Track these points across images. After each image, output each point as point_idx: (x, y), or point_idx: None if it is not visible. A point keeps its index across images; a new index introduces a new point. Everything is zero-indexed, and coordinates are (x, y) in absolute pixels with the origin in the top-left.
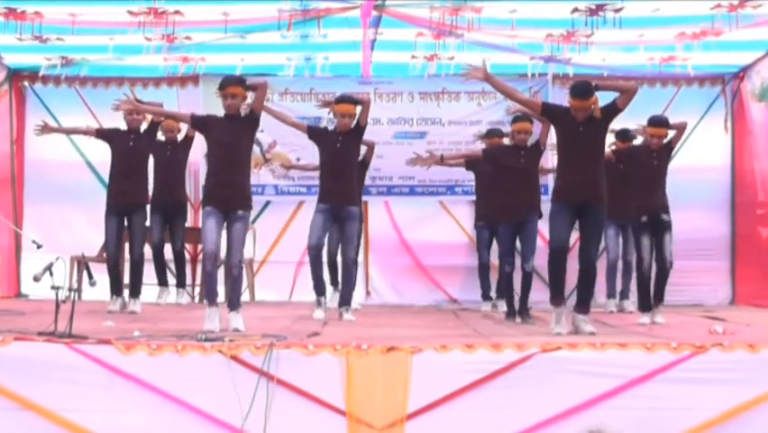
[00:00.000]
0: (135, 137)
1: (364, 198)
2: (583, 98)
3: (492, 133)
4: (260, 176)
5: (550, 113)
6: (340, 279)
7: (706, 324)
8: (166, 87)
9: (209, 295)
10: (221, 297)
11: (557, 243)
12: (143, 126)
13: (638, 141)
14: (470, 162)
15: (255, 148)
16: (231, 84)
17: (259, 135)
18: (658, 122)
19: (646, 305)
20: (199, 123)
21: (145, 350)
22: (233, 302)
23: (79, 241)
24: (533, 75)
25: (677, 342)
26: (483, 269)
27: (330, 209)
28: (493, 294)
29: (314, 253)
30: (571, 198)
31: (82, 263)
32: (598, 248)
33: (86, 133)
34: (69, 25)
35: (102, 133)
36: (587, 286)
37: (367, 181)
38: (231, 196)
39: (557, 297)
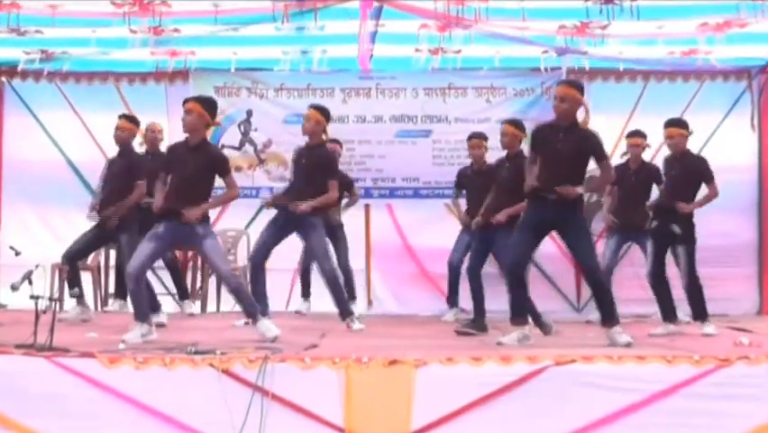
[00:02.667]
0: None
1: (365, 200)
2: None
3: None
4: (254, 177)
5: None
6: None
7: (731, 335)
8: (153, 83)
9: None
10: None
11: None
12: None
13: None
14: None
15: (249, 147)
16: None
17: (253, 135)
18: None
19: (664, 315)
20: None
21: (131, 363)
22: (249, 313)
23: (61, 247)
24: (546, 69)
25: (700, 354)
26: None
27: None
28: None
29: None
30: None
31: (63, 271)
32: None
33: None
34: (49, 16)
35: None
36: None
37: (368, 183)
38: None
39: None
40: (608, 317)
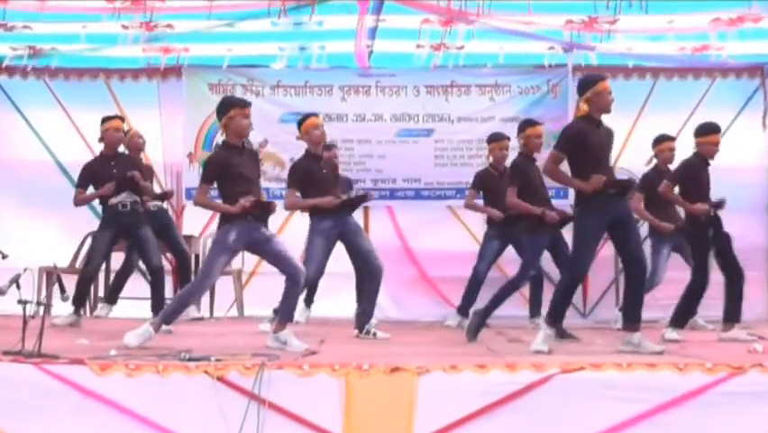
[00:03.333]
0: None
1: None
2: None
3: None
4: None
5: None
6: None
7: (743, 342)
8: (146, 80)
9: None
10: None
11: None
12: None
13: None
14: None
15: None
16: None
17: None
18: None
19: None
20: None
21: (122, 371)
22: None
23: (49, 250)
24: (551, 66)
25: (712, 362)
26: None
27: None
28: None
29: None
30: None
31: (53, 275)
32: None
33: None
34: (37, 11)
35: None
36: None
37: (368, 184)
38: None
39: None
40: (636, 319)
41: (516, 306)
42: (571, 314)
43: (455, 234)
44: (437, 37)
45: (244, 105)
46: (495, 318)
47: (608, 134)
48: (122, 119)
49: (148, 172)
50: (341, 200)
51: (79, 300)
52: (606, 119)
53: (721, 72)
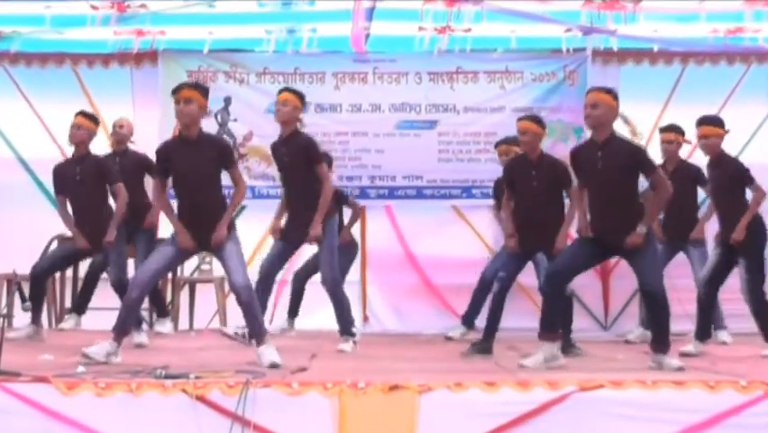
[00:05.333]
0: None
1: (361, 201)
2: None
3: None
4: None
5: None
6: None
7: None
8: (117, 66)
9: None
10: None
11: None
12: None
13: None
14: None
15: (227, 140)
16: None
17: (232, 126)
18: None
19: (699, 332)
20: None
21: (91, 389)
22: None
23: (8, 257)
24: (568, 50)
25: (746, 379)
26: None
27: None
28: None
29: None
30: None
31: (13, 283)
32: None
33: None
34: None
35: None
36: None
37: (365, 182)
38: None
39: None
40: (661, 340)
41: (530, 318)
42: (592, 326)
43: (461, 238)
44: (441, 18)
45: (177, 89)
46: (505, 331)
47: (618, 154)
48: (84, 114)
49: (134, 169)
50: None
51: (33, 306)
52: (629, 109)
53: (757, 57)
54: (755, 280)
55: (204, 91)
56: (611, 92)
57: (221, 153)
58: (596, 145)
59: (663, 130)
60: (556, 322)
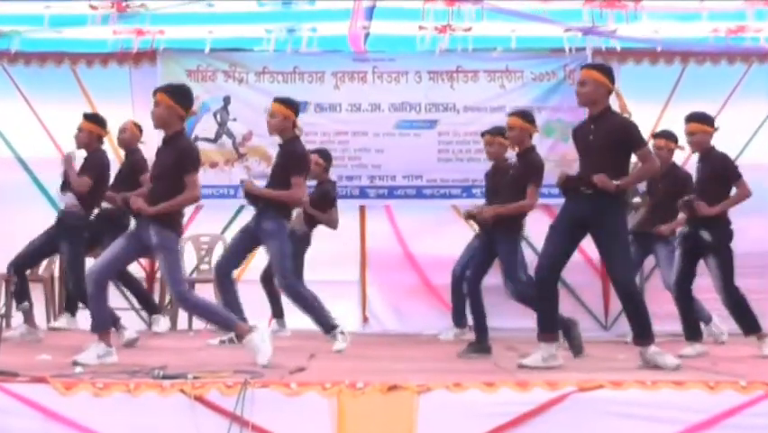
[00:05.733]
0: None
1: (360, 201)
2: None
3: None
4: (232, 175)
5: None
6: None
7: None
8: (116, 65)
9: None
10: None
11: None
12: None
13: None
14: None
15: (226, 140)
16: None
17: (231, 125)
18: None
19: (687, 333)
20: None
21: (89, 389)
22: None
23: (8, 255)
24: (569, 50)
25: (746, 380)
26: None
27: None
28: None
29: None
30: None
31: (11, 282)
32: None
33: None
34: None
35: None
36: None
37: (364, 182)
38: None
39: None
40: (641, 334)
41: (530, 318)
42: (591, 326)
43: (461, 238)
44: (442, 18)
45: (155, 92)
46: (504, 331)
47: (610, 129)
48: (85, 116)
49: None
50: None
51: (17, 300)
52: (629, 109)
53: (758, 57)
54: (727, 277)
55: (177, 93)
56: (600, 68)
57: (177, 157)
58: (590, 120)
59: (655, 136)
60: (554, 322)
